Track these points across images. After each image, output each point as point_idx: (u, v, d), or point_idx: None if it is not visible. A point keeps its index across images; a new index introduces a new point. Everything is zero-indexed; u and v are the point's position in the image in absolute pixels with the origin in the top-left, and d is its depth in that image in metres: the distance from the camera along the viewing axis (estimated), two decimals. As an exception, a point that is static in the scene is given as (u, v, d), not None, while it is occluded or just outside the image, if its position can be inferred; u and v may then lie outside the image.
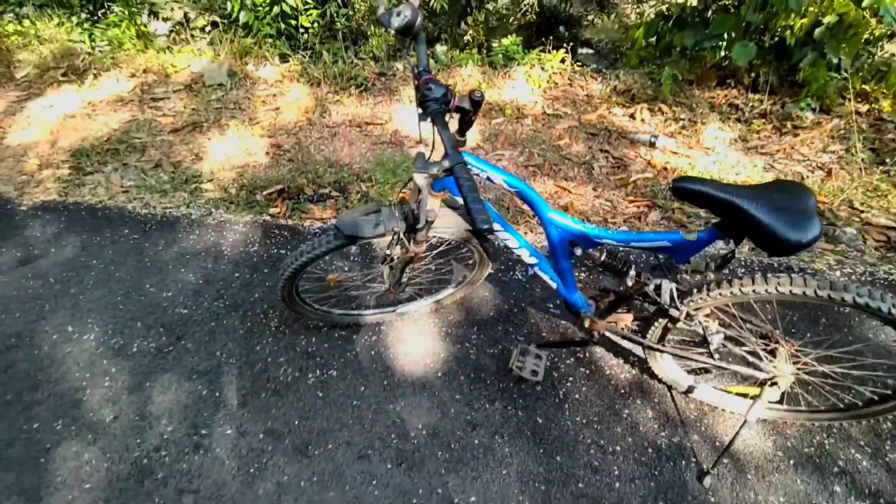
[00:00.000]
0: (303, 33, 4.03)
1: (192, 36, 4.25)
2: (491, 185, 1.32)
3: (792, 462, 1.59)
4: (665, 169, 2.78)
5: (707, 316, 1.37)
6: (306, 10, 3.88)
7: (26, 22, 4.35)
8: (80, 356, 1.98)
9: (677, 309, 1.31)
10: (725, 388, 1.69)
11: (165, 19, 4.54)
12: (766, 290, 1.20)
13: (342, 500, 1.55)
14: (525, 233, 2.44)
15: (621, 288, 1.44)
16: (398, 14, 1.16)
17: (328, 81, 3.63)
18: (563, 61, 3.67)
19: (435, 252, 1.87)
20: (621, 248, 1.36)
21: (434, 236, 1.52)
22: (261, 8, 3.85)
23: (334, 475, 1.61)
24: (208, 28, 4.35)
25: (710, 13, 3.29)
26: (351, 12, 4.06)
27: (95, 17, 4.45)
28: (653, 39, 3.54)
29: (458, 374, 1.86)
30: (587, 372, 1.85)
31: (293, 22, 3.98)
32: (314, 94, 3.54)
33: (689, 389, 1.70)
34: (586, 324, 1.57)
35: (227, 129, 3.25)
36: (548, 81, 3.54)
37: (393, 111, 3.38)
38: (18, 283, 2.27)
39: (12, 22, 4.39)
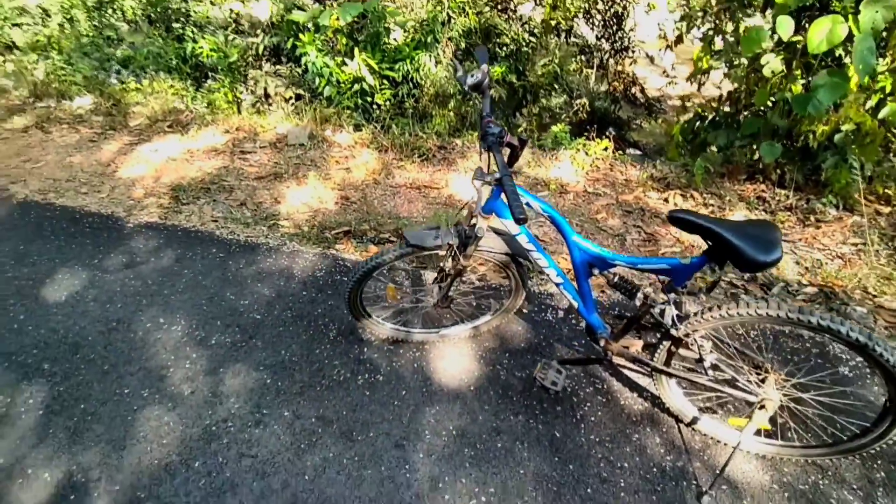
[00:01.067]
0: (376, 109, 4.71)
1: (279, 105, 5.00)
2: (529, 210, 1.71)
3: (787, 495, 1.78)
4: (693, 245, 3.11)
5: (703, 338, 1.67)
6: (381, 89, 4.56)
7: (145, 81, 5.24)
8: (168, 342, 2.38)
9: (677, 328, 1.62)
10: (726, 420, 1.92)
11: (257, 91, 5.37)
12: (748, 313, 1.51)
13: (378, 477, 1.83)
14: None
15: (632, 311, 1.76)
16: (472, 75, 1.63)
17: (395, 149, 4.22)
18: (605, 149, 4.16)
19: (475, 286, 2.23)
20: (631, 271, 1.70)
21: (481, 252, 1.90)
22: (343, 85, 4.56)
23: (373, 457, 1.89)
24: (292, 98, 5.11)
25: (741, 116, 3.75)
26: (419, 94, 4.72)
27: (199, 84, 5.30)
28: (690, 136, 4.00)
29: (489, 389, 2.16)
30: (604, 399, 2.12)
31: (369, 98, 4.67)
32: (381, 159, 4.11)
33: (694, 420, 1.94)
34: (602, 343, 1.88)
35: (304, 181, 3.81)
36: (591, 165, 4.01)
37: (450, 178, 3.88)
38: (122, 282, 2.75)
39: (134, 80, 5.29)
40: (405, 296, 2.46)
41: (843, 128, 3.24)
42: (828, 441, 1.78)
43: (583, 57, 6.28)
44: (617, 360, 1.91)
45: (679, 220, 1.48)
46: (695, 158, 3.84)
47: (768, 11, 3.59)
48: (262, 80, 5.26)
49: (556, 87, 5.43)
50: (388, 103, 4.68)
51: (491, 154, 1.54)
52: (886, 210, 3.35)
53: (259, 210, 3.49)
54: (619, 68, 6.60)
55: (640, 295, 1.69)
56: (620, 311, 2.46)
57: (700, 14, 4.20)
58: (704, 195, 3.59)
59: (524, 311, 2.55)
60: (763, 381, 1.68)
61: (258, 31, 5.36)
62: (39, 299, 2.65)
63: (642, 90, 6.53)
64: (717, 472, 1.81)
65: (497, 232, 1.88)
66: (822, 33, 2.72)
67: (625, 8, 6.00)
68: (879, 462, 1.87)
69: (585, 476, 1.84)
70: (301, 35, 4.43)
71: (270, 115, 4.82)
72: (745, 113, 3.75)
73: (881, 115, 3.15)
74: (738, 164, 3.84)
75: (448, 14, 4.52)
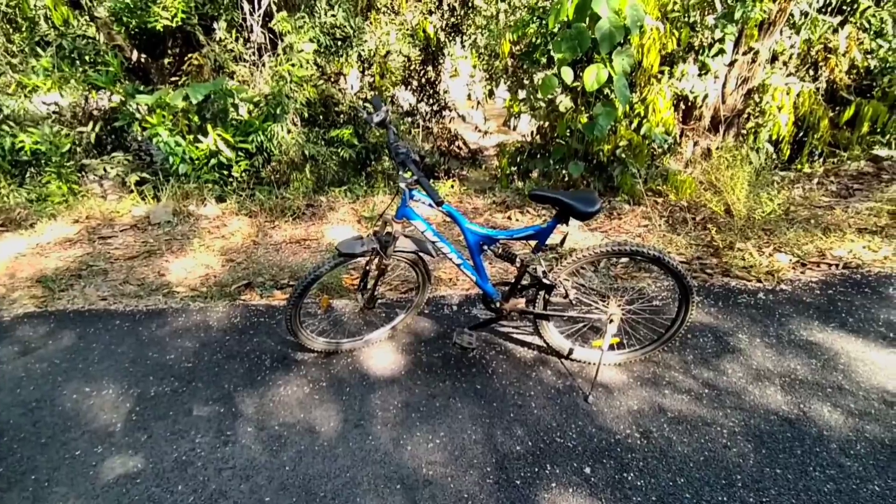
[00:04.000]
0: (233, 180, 5.12)
1: (125, 189, 5.15)
2: (430, 210, 2.40)
3: (639, 384, 2.63)
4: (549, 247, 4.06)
5: (565, 280, 2.49)
6: (238, 161, 5.01)
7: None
8: (104, 405, 2.57)
9: (547, 277, 2.41)
10: (591, 345, 2.76)
11: (100, 177, 5.44)
12: (590, 253, 2.36)
13: (349, 450, 2.29)
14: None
15: (513, 275, 2.53)
16: (377, 115, 2.32)
17: (264, 213, 4.67)
18: (452, 186, 5.07)
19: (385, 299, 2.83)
20: (509, 241, 2.47)
21: (396, 253, 2.53)
22: (198, 161, 4.93)
23: (339, 438, 2.35)
24: (136, 182, 5.27)
25: (549, 146, 4.94)
26: (276, 162, 5.25)
27: (23, 179, 5.19)
28: (515, 167, 5.10)
29: (416, 370, 2.75)
30: (504, 356, 2.83)
31: (225, 171, 5.08)
32: (253, 223, 4.54)
33: (570, 352, 2.74)
34: (497, 305, 2.61)
35: (182, 253, 4.09)
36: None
37: (324, 230, 4.45)
38: (24, 368, 2.82)
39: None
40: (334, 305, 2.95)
41: (621, 144, 4.53)
42: (654, 338, 2.70)
43: (408, 119, 7.35)
44: (510, 314, 2.65)
45: (537, 196, 2.31)
46: (522, 183, 4.92)
47: (552, 66, 4.88)
48: (100, 167, 5.37)
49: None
50: (244, 174, 5.13)
51: (405, 165, 2.22)
52: (661, 200, 4.70)
53: (145, 284, 3.69)
54: (440, 127, 7.79)
55: (518, 259, 2.46)
56: (503, 280, 3.20)
57: (502, 72, 5.45)
58: (536, 209, 4.64)
59: (424, 311, 3.20)
60: (607, 304, 2.54)
61: (87, 120, 5.50)
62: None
63: (464, 143, 7.78)
64: (592, 380, 2.60)
65: (406, 235, 2.53)
66: (593, 77, 3.92)
67: (437, 74, 7.24)
68: (686, 348, 2.83)
69: (506, 407, 2.51)
70: (148, 117, 4.74)
71: (121, 201, 4.95)
72: (554, 142, 4.95)
73: (642, 132, 4.50)
74: (555, 182, 5.01)
75: (290, 88, 5.19)
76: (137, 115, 4.92)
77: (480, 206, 4.81)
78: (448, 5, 6.55)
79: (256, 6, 5.08)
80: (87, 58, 5.28)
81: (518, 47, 5.18)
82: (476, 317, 3.18)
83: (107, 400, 2.60)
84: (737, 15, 4.31)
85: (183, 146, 4.78)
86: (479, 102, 8.23)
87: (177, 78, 5.49)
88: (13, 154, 5.09)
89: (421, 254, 2.61)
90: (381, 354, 2.87)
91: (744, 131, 5.57)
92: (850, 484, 2.09)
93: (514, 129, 5.53)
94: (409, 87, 7.35)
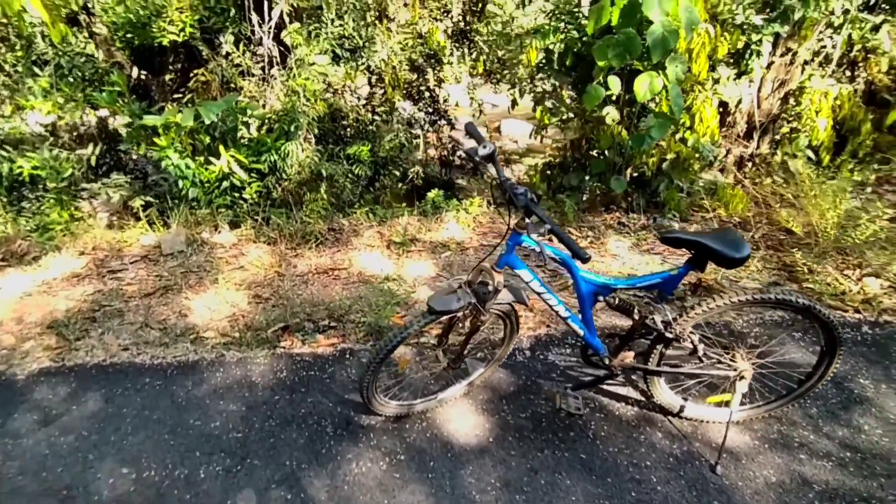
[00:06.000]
0: (243, 203, 4.61)
1: (132, 216, 4.63)
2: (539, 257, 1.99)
3: (766, 446, 2.27)
4: (595, 271, 3.68)
5: (692, 333, 2.11)
6: (251, 182, 4.52)
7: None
8: (148, 493, 2.11)
9: (671, 331, 2.03)
10: (707, 401, 2.38)
11: (101, 202, 4.89)
12: (724, 303, 1.99)
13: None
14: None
15: (629, 326, 2.14)
16: (484, 147, 1.90)
17: (283, 240, 4.19)
18: (480, 205, 4.66)
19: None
20: (629, 292, 2.09)
21: (497, 305, 2.12)
22: (209, 185, 4.43)
23: (437, 532, 1.94)
24: (142, 207, 4.74)
25: (585, 160, 4.56)
26: (288, 182, 4.77)
27: (20, 208, 4.63)
28: (547, 181, 4.72)
29: (505, 436, 2.34)
30: (602, 415, 2.45)
31: (236, 194, 4.58)
32: (273, 251, 4.06)
33: (681, 409, 2.36)
34: (606, 361, 2.22)
35: (200, 288, 3.60)
36: (475, 221, 4.47)
37: (352, 257, 4.00)
38: (48, 442, 2.34)
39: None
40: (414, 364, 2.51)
41: (668, 157, 4.18)
42: (783, 394, 2.34)
43: (410, 130, 6.91)
44: (618, 371, 2.26)
45: (669, 239, 1.95)
46: (555, 200, 4.55)
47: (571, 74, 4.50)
48: (102, 191, 4.84)
49: (400, 159, 5.92)
50: (256, 195, 4.64)
51: (527, 210, 1.82)
52: (709, 216, 4.37)
53: (168, 328, 3.20)
54: (440, 136, 7.36)
55: (636, 311, 2.07)
56: (610, 331, 2.74)
57: (528, 80, 5.06)
58: (580, 228, 4.27)
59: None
60: (733, 357, 2.17)
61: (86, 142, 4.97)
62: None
63: (466, 153, 7.34)
64: (720, 445, 2.22)
65: (504, 285, 2.12)
66: (646, 86, 3.57)
67: (438, 82, 6.77)
68: (805, 398, 2.47)
69: (623, 483, 2.13)
70: (156, 139, 4.23)
71: (127, 229, 4.43)
72: (592, 156, 4.56)
73: (690, 143, 4.16)
74: (592, 198, 4.64)
75: (303, 103, 4.71)
76: (143, 136, 4.39)
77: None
78: (458, 12, 6.12)
79: (266, 17, 4.58)
80: (86, 76, 4.73)
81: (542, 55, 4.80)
82: (562, 368, 2.78)
83: (149, 486, 2.14)
84: (797, 15, 3.99)
85: (193, 168, 4.28)
86: (481, 111, 7.83)
87: (180, 95, 4.96)
88: (10, 180, 4.52)
89: (515, 304, 2.21)
90: (458, 416, 2.46)
91: (777, 137, 5.30)
92: None
93: (541, 140, 5.12)
94: (410, 97, 6.89)
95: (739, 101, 4.88)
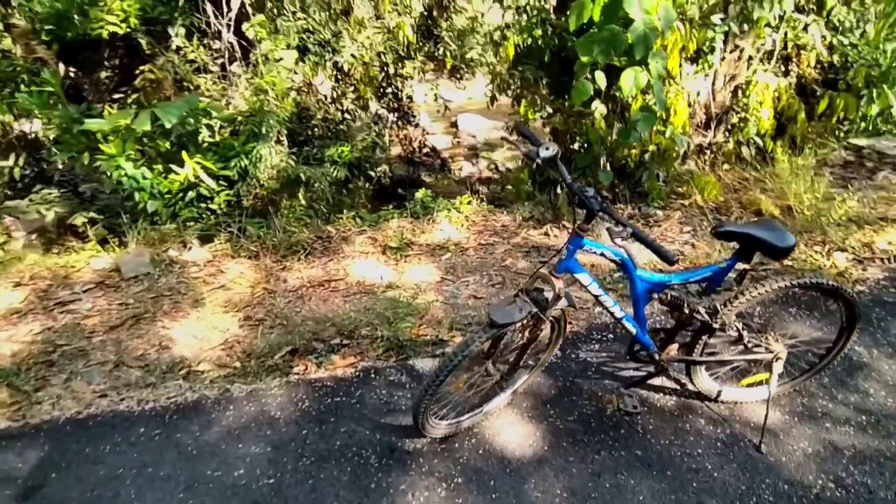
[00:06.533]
0: (213, 215, 4.23)
1: (79, 233, 4.13)
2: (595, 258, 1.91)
3: (796, 419, 2.32)
4: (592, 265, 3.64)
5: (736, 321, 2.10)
6: (219, 191, 4.15)
7: None
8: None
9: (717, 321, 2.00)
10: (740, 384, 2.39)
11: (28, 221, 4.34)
12: (765, 290, 2.00)
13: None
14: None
15: (673, 321, 2.10)
16: (546, 149, 1.77)
17: (267, 252, 3.86)
18: (469, 203, 4.52)
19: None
20: (681, 287, 2.04)
21: (556, 311, 2.00)
22: (170, 196, 4.02)
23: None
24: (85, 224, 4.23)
25: (569, 154, 4.53)
26: (260, 190, 4.43)
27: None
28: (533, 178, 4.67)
29: (559, 442, 2.24)
30: (646, 409, 2.39)
31: (203, 205, 4.20)
32: (257, 265, 3.73)
33: (718, 394, 2.36)
34: (656, 357, 2.18)
35: (178, 314, 3.25)
36: (467, 219, 4.34)
37: (346, 266, 3.75)
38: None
39: None
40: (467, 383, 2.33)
41: (650, 149, 4.23)
42: (806, 368, 2.43)
43: (376, 127, 6.68)
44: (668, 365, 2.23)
45: (721, 233, 1.98)
46: (544, 195, 4.50)
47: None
48: (31, 208, 4.32)
49: (373, 158, 5.70)
50: (226, 205, 4.28)
51: (603, 212, 1.71)
52: (686, 202, 4.47)
53: (151, 364, 2.85)
54: (405, 133, 7.18)
55: (685, 305, 2.03)
56: (654, 327, 2.66)
57: (507, 76, 4.97)
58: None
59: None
60: (767, 341, 2.19)
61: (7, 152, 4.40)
62: None
63: (433, 150, 7.21)
64: (761, 425, 2.24)
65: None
66: (631, 81, 3.57)
67: (403, 79, 6.59)
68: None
69: (683, 475, 2.10)
70: (102, 146, 3.77)
71: (74, 252, 3.93)
72: (574, 149, 4.53)
73: (668, 134, 4.23)
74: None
75: (272, 102, 4.39)
76: (84, 142, 3.90)
77: (509, 223, 4.32)
78: (424, 6, 5.93)
79: (225, 8, 4.20)
80: (2, 76, 4.17)
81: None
82: (596, 365, 2.71)
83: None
84: (756, 15, 4.15)
85: (150, 179, 3.86)
86: (447, 107, 7.71)
87: (121, 95, 4.47)
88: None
89: (567, 307, 2.10)
90: (506, 427, 2.33)
91: (729, 126, 5.53)
92: None
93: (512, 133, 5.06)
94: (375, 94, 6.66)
95: (698, 95, 5.06)
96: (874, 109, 5.25)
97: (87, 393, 2.66)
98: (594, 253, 1.97)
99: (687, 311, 2.05)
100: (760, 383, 2.32)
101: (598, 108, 3.90)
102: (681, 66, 4.59)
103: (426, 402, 1.96)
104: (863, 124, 5.64)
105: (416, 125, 7.16)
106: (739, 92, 5.29)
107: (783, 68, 5.82)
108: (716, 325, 2.03)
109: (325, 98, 5.45)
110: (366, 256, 3.85)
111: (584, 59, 3.61)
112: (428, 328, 3.08)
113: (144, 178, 3.86)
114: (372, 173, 5.50)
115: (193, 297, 3.42)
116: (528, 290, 1.95)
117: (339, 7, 4.93)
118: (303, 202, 4.37)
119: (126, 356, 2.92)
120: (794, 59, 5.67)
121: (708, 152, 5.46)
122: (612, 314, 2.07)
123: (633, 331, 2.12)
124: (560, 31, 4.28)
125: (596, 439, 2.25)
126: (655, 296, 2.07)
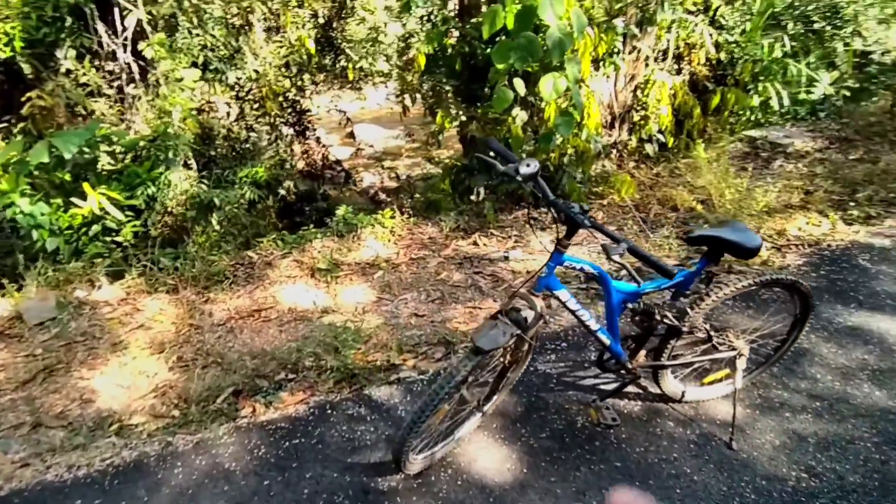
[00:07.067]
0: (120, 248, 3.83)
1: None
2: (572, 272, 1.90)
3: (757, 413, 2.44)
4: (528, 271, 3.67)
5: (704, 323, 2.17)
6: (126, 222, 3.76)
7: None
8: None
9: (685, 325, 2.06)
10: (702, 383, 2.48)
11: None
12: (730, 290, 2.07)
13: None
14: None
15: (642, 328, 2.14)
16: (528, 165, 1.72)
17: (184, 284, 3.54)
18: (392, 217, 4.40)
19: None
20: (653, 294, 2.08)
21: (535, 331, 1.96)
22: (70, 231, 3.59)
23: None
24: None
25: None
26: (169, 219, 4.07)
27: None
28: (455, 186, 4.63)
29: (536, 462, 2.21)
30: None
31: (108, 238, 3.79)
32: (178, 301, 3.41)
33: (682, 395, 2.44)
34: (629, 366, 2.20)
35: (98, 361, 2.90)
36: (393, 234, 4.22)
37: (275, 293, 3.52)
38: None
39: None
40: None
41: (568, 151, 4.35)
42: (762, 361, 2.54)
43: (282, 143, 6.38)
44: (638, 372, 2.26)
45: (693, 238, 2.04)
46: (465, 204, 4.50)
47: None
48: None
49: (282, 176, 5.43)
50: (133, 237, 3.88)
51: (594, 231, 1.72)
52: (604, 201, 4.64)
53: (74, 422, 2.51)
54: (305, 148, 6.94)
55: (657, 312, 2.07)
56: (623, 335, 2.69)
57: (418, 85, 4.91)
58: (503, 229, 4.26)
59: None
60: (729, 338, 2.29)
61: None
62: None
63: (338, 162, 7.01)
64: (730, 421, 2.31)
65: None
66: (550, 86, 3.64)
67: (301, 93, 6.32)
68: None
69: (664, 481, 2.13)
70: (-12, 182, 3.29)
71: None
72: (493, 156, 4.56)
73: (583, 136, 4.37)
74: (501, 195, 4.67)
75: (176, 124, 4.03)
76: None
77: (436, 235, 4.25)
78: (323, 17, 5.72)
79: (119, 28, 3.79)
80: None
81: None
82: (556, 376, 2.71)
83: None
84: (658, 17, 4.38)
85: (48, 215, 3.41)
86: (348, 119, 7.57)
87: (4, 125, 3.92)
88: None
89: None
90: (481, 453, 2.26)
91: (631, 125, 5.83)
92: None
93: (438, 146, 5.02)
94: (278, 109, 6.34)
95: (602, 96, 5.28)
96: (755, 101, 5.74)
97: (6, 464, 2.29)
98: (573, 268, 1.96)
99: (658, 317, 2.10)
100: (721, 380, 2.43)
101: (519, 114, 3.95)
102: (591, 69, 4.77)
103: (410, 439, 1.86)
104: (750, 116, 6.16)
105: (318, 139, 6.93)
106: (639, 91, 5.59)
107: (676, 67, 6.24)
108: (685, 329, 2.09)
109: (228, 116, 5.10)
110: (294, 281, 3.64)
111: (499, 66, 3.63)
112: (376, 353, 2.95)
113: (42, 214, 3.40)
114: (281, 191, 5.23)
115: (111, 341, 3.06)
116: (507, 311, 1.89)
117: (239, 22, 4.62)
118: (217, 228, 4.05)
119: (44, 415, 2.56)
120: (686, 58, 6.09)
121: (614, 151, 5.74)
122: (587, 328, 2.07)
123: (607, 342, 2.13)
124: (469, 38, 4.30)
125: (573, 455, 2.24)
126: (630, 305, 2.10)
